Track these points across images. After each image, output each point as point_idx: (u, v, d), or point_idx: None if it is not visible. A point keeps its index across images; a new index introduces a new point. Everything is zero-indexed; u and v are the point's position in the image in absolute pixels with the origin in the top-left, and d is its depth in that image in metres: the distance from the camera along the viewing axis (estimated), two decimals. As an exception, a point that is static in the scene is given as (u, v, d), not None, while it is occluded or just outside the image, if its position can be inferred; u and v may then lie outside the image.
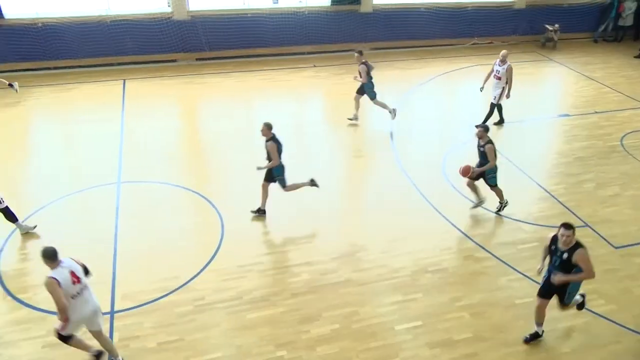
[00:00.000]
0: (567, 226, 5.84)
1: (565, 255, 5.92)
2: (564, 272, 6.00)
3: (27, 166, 10.65)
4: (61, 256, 5.72)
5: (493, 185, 8.96)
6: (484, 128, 8.67)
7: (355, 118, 12.28)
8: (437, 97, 14.46)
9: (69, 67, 14.79)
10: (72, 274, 5.68)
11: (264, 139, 8.50)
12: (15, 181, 10.04)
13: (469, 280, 7.77)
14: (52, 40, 14.40)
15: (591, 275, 5.99)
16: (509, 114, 12.40)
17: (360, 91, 12.01)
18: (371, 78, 11.82)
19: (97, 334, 6.12)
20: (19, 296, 7.21)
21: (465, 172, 8.78)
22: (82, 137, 11.55)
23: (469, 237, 8.63)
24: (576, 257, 5.86)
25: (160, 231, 8.56)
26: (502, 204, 9.13)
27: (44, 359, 6.34)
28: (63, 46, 14.54)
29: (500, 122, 12.37)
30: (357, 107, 12.18)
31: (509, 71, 11.70)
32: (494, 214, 9.15)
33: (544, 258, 6.37)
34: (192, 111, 13.64)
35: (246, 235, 8.54)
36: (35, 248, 8.30)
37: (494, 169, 8.79)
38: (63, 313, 5.55)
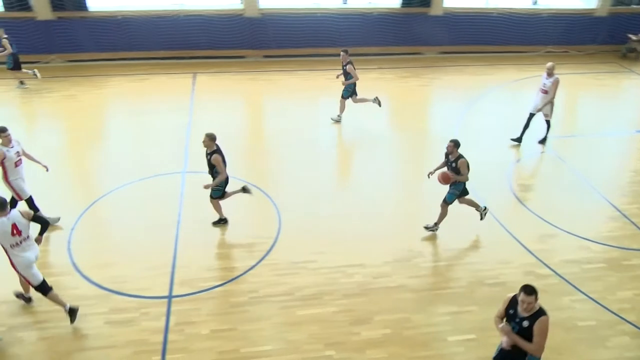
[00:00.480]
0: (529, 291, 4.94)
1: (525, 323, 5.04)
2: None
3: (99, 151, 11.20)
4: (10, 210, 6.26)
5: (447, 202, 8.37)
6: (454, 143, 7.99)
7: (339, 119, 12.29)
8: (506, 105, 14.01)
9: (144, 59, 15.43)
10: (14, 226, 6.22)
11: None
12: (86, 165, 10.60)
13: (528, 296, 7.47)
14: (129, 32, 15.09)
15: (539, 352, 5.07)
16: (582, 127, 11.84)
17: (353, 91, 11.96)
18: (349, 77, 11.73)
19: None
20: (86, 273, 7.59)
21: (445, 179, 8.17)
22: (152, 126, 12.04)
23: (530, 252, 8.31)
24: (536, 326, 4.99)
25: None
26: (434, 227, 8.60)
27: (105, 334, 6.66)
28: (139, 38, 15.20)
29: (543, 140, 11.58)
30: (364, 100, 12.09)
31: (555, 84, 10.99)
32: (560, 231, 8.77)
33: (499, 322, 5.37)
34: (256, 107, 13.90)
35: (302, 233, 8.61)
36: (105, 228, 8.75)
37: (458, 186, 8.24)
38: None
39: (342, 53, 11.74)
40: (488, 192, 9.72)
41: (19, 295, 7.07)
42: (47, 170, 8.49)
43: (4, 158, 7.82)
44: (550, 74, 11.03)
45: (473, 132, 12.02)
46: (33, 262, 6.47)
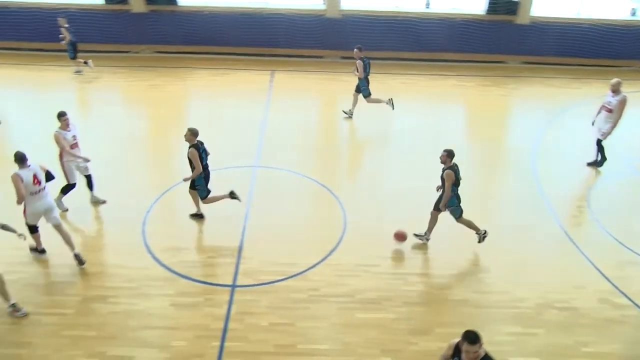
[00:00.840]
0: (472, 339, 4.53)
1: None
2: None
3: (179, 140, 11.62)
4: (31, 162, 7.20)
5: (457, 217, 8.11)
6: (447, 152, 7.70)
7: (350, 114, 12.40)
8: (589, 122, 13.26)
9: (227, 54, 15.91)
10: (35, 176, 7.17)
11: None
12: (166, 152, 11.09)
13: (602, 326, 7.04)
14: (214, 27, 15.61)
15: None
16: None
17: (358, 89, 12.14)
18: (367, 75, 11.84)
19: (57, 227, 7.56)
20: (157, 255, 7.96)
21: (399, 237, 8.15)
22: (229, 119, 12.42)
23: (607, 279, 7.82)
24: None
25: (286, 217, 8.91)
26: (481, 235, 8.18)
27: (169, 315, 6.95)
28: (223, 34, 15.70)
29: (601, 162, 10.68)
30: (355, 103, 12.30)
31: (622, 103, 10.14)
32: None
33: None
34: (330, 107, 13.97)
35: (367, 235, 8.57)
36: (178, 215, 9.11)
37: (453, 201, 7.91)
38: (20, 202, 7.18)
39: (355, 49, 11.90)
40: (565, 210, 9.25)
41: (32, 249, 7.86)
42: (88, 161, 8.89)
43: (64, 139, 8.42)
44: (615, 91, 10.26)
45: (553, 147, 11.47)
46: (42, 212, 7.47)
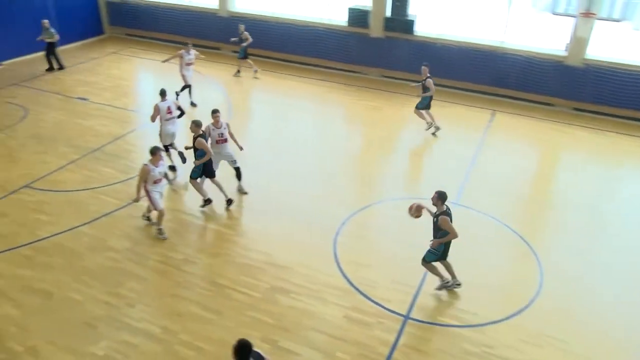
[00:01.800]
0: None
1: None
2: None
3: (386, 160, 12.02)
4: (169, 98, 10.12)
5: (429, 261, 7.61)
6: (438, 194, 7.28)
7: (433, 126, 12.96)
8: None
9: (448, 87, 15.87)
10: (168, 107, 10.16)
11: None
12: (372, 169, 11.48)
13: None
14: (444, 59, 15.69)
15: None
16: None
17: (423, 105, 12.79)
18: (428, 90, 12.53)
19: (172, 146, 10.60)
20: (342, 266, 8.27)
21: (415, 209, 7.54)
22: (438, 150, 12.36)
23: None
24: None
25: (475, 262, 8.49)
26: (445, 283, 7.72)
27: (340, 326, 7.16)
28: (450, 66, 15.68)
29: None
30: (429, 116, 12.94)
31: None
32: None
33: None
34: (550, 158, 12.94)
35: (563, 305, 7.68)
36: (370, 232, 9.36)
37: (442, 247, 7.45)
38: (152, 121, 10.40)
39: (423, 67, 12.50)
40: None
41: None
42: (241, 149, 10.04)
43: (209, 135, 9.46)
44: None
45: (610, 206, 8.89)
46: (170, 134, 10.33)
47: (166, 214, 8.98)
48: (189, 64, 13.84)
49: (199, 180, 9.64)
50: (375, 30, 16.49)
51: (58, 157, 11.38)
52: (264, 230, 9.17)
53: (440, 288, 7.79)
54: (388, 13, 16.28)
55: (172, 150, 10.79)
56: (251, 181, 10.85)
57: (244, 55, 16.40)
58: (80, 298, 7.52)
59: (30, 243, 8.69)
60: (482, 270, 8.36)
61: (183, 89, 14.11)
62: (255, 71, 16.64)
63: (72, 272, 8.04)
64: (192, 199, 10.00)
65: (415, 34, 16.12)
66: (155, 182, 8.55)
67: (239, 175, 10.22)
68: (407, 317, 7.34)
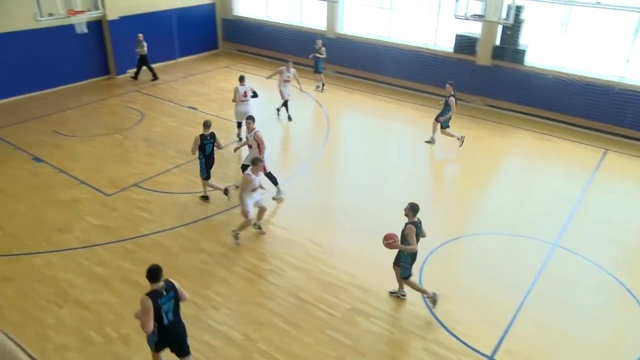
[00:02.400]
0: None
1: None
2: None
3: (483, 192, 11.54)
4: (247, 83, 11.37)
5: (404, 277, 7.71)
6: (411, 206, 7.51)
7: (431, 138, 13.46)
8: None
9: (557, 120, 15.05)
10: (245, 92, 11.76)
11: None
12: (467, 202, 11.07)
13: None
14: (556, 92, 14.91)
15: None
16: None
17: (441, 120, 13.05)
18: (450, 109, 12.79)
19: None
20: (425, 296, 8.02)
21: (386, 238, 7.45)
22: (540, 186, 11.70)
23: None
24: None
25: (572, 313, 7.86)
26: (399, 293, 8.04)
27: (420, 358, 6.90)
28: (562, 100, 14.87)
29: None
30: (451, 135, 13.22)
31: None
32: None
33: None
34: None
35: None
36: (460, 264, 9.02)
37: (407, 258, 7.55)
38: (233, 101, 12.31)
39: (447, 85, 12.76)
40: None
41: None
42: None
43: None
44: None
45: None
46: (243, 113, 11.57)
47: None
48: (286, 81, 14.36)
49: (210, 181, 10.48)
50: (483, 58, 16.08)
51: (165, 160, 12.18)
52: (350, 250, 9.15)
53: (431, 300, 7.85)
54: (497, 41, 15.83)
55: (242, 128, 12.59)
56: (342, 199, 10.93)
57: (321, 69, 17.20)
58: (171, 295, 7.92)
59: (133, 238, 9.33)
60: (580, 320, 7.72)
61: (283, 105, 14.60)
62: (323, 85, 17.45)
63: (166, 269, 8.39)
64: (282, 212, 10.24)
65: (525, 64, 15.49)
66: (253, 190, 8.86)
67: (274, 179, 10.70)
68: (491, 358, 6.94)
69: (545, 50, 15.56)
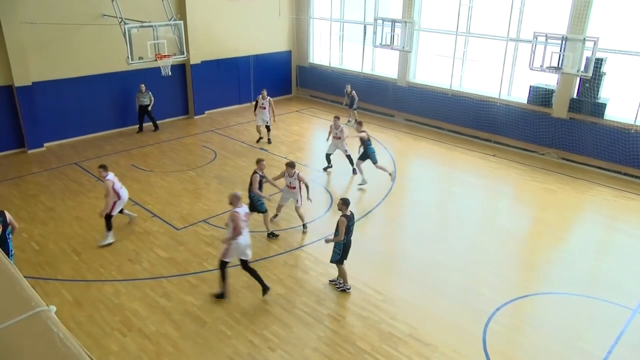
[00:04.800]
0: None
1: None
2: None
3: (555, 248, 10.94)
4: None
5: (333, 261, 8.85)
6: (342, 200, 8.58)
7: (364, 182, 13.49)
8: None
9: (637, 177, 14.18)
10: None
11: None
12: (534, 257, 10.51)
13: None
14: (633, 147, 14.14)
15: None
16: None
17: (363, 157, 13.39)
18: (370, 144, 13.29)
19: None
20: (491, 357, 7.58)
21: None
22: (621, 246, 10.98)
23: None
24: None
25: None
26: (339, 283, 9.11)
27: None
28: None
29: None
30: (361, 172, 13.52)
31: None
32: None
33: None
34: None
35: None
36: (528, 325, 8.52)
37: (340, 245, 8.63)
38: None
39: (356, 125, 13.67)
40: None
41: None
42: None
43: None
44: None
45: None
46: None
47: (321, 268, 9.21)
48: (337, 138, 14.00)
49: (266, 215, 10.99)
50: (559, 110, 15.57)
51: (234, 198, 12.53)
52: (412, 301, 8.89)
53: (334, 283, 9.14)
54: (575, 94, 15.33)
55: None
56: (406, 248, 10.74)
57: (356, 107, 18.75)
58: (229, 332, 7.98)
59: (198, 273, 9.57)
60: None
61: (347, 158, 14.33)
62: (351, 121, 18.31)
63: (227, 306, 8.61)
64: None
65: (605, 117, 14.84)
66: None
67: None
68: None
69: (629, 105, 14.86)
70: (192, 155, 15.58)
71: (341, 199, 8.73)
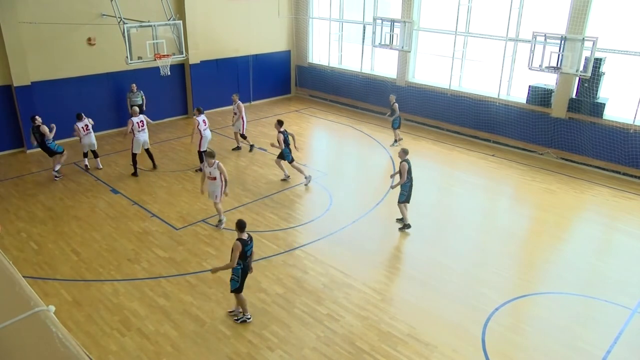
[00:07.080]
0: None
1: None
2: None
3: (552, 249, 10.94)
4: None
5: (232, 290, 8.05)
6: (237, 223, 7.80)
7: (287, 177, 13.71)
8: None
9: (636, 177, 14.19)
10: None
11: None
12: (533, 257, 10.51)
13: None
14: (632, 147, 14.16)
15: None
16: None
17: (281, 156, 13.39)
18: (287, 144, 13.18)
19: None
20: (490, 357, 7.58)
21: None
22: (620, 246, 10.99)
23: None
24: None
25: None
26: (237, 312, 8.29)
27: None
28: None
29: None
30: (282, 168, 13.68)
31: None
32: None
33: None
34: None
35: None
36: (526, 325, 8.53)
37: (238, 270, 7.83)
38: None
39: (275, 123, 13.40)
40: None
41: None
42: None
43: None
44: None
45: None
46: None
47: (320, 268, 9.20)
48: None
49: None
50: (558, 110, 15.59)
51: (232, 198, 12.53)
52: (412, 301, 8.89)
53: (232, 314, 8.32)
54: (574, 94, 15.34)
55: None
56: (406, 248, 10.74)
57: (399, 125, 16.60)
58: (228, 332, 7.98)
59: (196, 272, 9.57)
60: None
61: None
62: (397, 142, 16.74)
63: (226, 306, 8.61)
64: (343, 256, 10.16)
65: (604, 117, 14.85)
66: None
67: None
68: None
69: (629, 104, 14.87)
70: (192, 155, 15.57)
71: (237, 222, 7.80)
